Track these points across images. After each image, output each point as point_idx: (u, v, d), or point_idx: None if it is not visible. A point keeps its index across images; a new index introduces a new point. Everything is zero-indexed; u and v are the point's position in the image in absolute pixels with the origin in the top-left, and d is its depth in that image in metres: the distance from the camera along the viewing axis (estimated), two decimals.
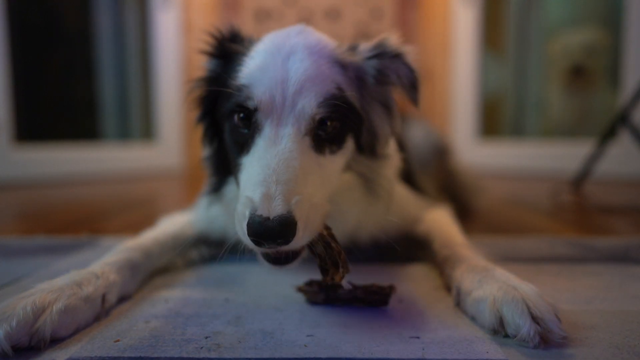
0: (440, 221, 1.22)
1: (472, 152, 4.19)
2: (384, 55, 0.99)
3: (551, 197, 2.37)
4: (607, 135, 2.54)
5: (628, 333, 0.74)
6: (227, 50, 1.00)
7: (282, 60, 0.88)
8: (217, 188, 1.05)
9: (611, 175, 3.15)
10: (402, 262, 1.18)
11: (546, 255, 1.24)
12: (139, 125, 4.41)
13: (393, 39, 1.00)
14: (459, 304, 0.86)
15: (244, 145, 0.88)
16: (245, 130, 0.88)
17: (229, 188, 1.03)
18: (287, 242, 0.73)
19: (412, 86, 1.01)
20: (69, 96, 4.03)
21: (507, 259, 1.20)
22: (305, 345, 0.71)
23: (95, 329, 0.78)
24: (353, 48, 1.00)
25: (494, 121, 4.52)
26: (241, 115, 0.88)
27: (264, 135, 0.84)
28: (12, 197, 2.64)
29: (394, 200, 1.16)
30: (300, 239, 0.76)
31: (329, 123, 0.87)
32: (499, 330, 0.73)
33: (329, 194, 0.89)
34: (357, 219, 1.06)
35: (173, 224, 1.19)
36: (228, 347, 0.71)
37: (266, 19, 4.48)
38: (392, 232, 1.20)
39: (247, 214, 0.74)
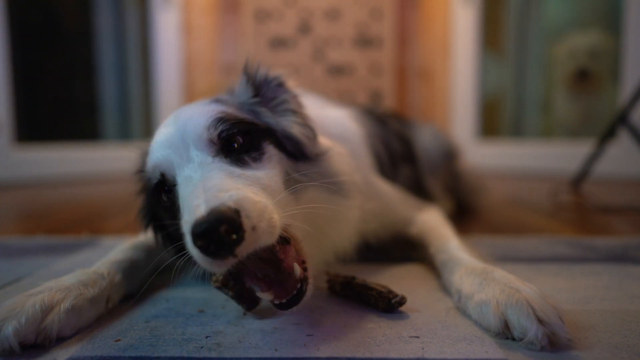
0: (433, 223, 1.22)
1: (472, 153, 4.19)
2: (255, 82, 1.00)
3: (551, 197, 2.38)
4: (607, 135, 2.54)
5: (627, 332, 0.74)
6: None
7: (165, 126, 0.90)
8: None
9: (611, 175, 3.15)
10: (397, 261, 1.18)
11: (545, 255, 1.25)
12: (139, 125, 4.41)
13: (253, 68, 1.01)
14: (460, 307, 0.85)
15: (175, 202, 0.85)
16: (171, 194, 0.86)
17: None
18: (237, 238, 0.64)
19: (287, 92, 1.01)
20: (69, 96, 4.03)
21: (506, 259, 1.20)
22: (305, 345, 0.71)
23: (96, 328, 0.78)
24: (230, 91, 1.03)
25: (493, 121, 4.52)
26: (165, 189, 0.87)
27: (181, 179, 0.81)
28: (12, 197, 2.64)
29: (382, 199, 1.16)
30: (254, 237, 0.66)
31: (233, 139, 0.85)
32: (504, 333, 0.73)
33: (279, 203, 0.80)
34: (341, 229, 1.02)
35: None
36: (228, 346, 0.71)
37: (266, 19, 4.48)
38: (384, 233, 1.21)
39: (188, 230, 0.68)
